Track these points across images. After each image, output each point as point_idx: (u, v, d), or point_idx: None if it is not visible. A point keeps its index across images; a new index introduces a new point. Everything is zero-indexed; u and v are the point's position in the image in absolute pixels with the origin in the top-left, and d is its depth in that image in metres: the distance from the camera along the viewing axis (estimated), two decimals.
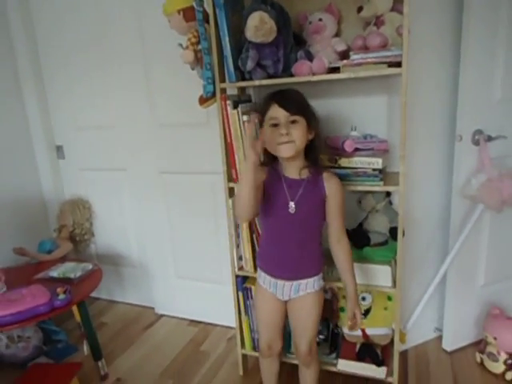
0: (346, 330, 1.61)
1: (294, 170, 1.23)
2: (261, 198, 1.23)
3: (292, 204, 1.21)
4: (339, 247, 1.28)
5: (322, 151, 1.29)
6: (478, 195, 1.52)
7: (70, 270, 1.79)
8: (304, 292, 1.29)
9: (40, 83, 2.24)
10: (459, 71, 1.50)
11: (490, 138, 1.53)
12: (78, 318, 2.02)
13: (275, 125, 1.15)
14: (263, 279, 1.34)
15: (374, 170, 1.33)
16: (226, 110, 1.41)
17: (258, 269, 1.37)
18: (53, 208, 2.34)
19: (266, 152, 1.24)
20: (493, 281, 1.78)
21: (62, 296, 1.50)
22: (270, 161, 1.27)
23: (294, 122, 1.15)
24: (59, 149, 2.34)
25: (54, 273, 1.77)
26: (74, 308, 1.91)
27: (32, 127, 2.28)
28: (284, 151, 1.16)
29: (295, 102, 1.17)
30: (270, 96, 1.20)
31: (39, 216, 2.34)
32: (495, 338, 1.60)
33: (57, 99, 2.26)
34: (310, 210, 1.23)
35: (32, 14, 2.16)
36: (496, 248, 1.73)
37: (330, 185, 1.23)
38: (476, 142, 1.54)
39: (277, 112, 1.15)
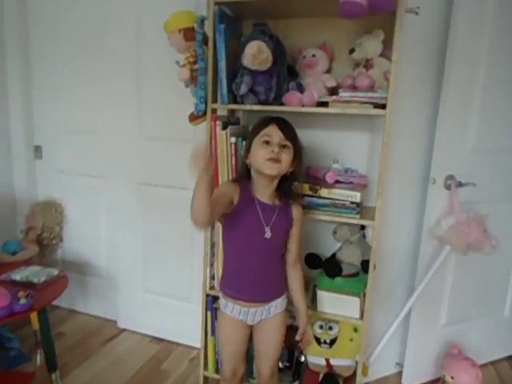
0: (310, 359, 1.62)
1: (266, 195, 1.25)
2: (221, 212, 1.18)
3: (268, 229, 1.23)
4: (294, 271, 1.35)
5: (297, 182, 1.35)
6: (445, 236, 1.59)
7: (34, 274, 1.73)
8: (274, 313, 1.32)
9: (27, 83, 2.21)
10: (437, 119, 1.59)
11: (460, 184, 1.62)
12: (35, 325, 1.94)
13: (267, 142, 1.19)
14: (231, 309, 1.30)
15: (351, 202, 1.38)
16: (215, 130, 1.43)
17: (223, 298, 1.33)
18: (23, 208, 2.27)
19: (243, 168, 1.28)
20: (454, 321, 1.85)
21: (23, 301, 1.44)
22: (242, 179, 1.28)
23: (285, 146, 1.20)
24: (38, 149, 2.29)
25: (17, 276, 1.70)
26: (33, 314, 1.84)
27: (12, 124, 2.22)
28: (269, 168, 1.18)
29: (292, 131, 1.25)
30: (269, 117, 1.25)
31: (7, 215, 2.25)
32: (452, 378, 1.64)
33: (43, 99, 2.23)
34: (281, 235, 1.28)
35: (28, 17, 2.16)
36: (459, 289, 1.81)
37: (296, 212, 1.30)
38: (448, 187, 1.63)
39: (273, 131, 1.20)
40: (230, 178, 1.43)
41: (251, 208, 1.23)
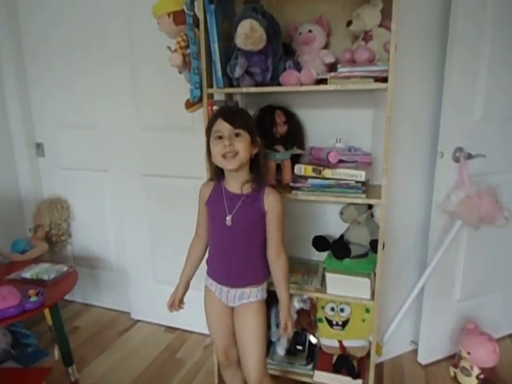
0: (323, 341, 1.61)
1: (236, 184, 1.25)
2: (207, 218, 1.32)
3: (229, 217, 1.23)
4: (277, 263, 1.28)
5: (266, 169, 1.34)
6: (456, 211, 1.54)
7: (44, 271, 1.73)
8: (247, 300, 1.30)
9: (23, 80, 2.19)
10: (442, 89, 1.53)
11: (469, 156, 1.56)
12: (49, 321, 1.97)
13: (220, 137, 1.18)
14: (210, 283, 1.36)
15: (356, 182, 1.34)
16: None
17: (206, 275, 1.39)
18: (29, 207, 2.28)
19: (214, 166, 1.27)
20: (468, 296, 1.81)
21: (33, 298, 1.45)
22: (218, 175, 1.29)
23: (237, 135, 1.18)
24: (39, 146, 2.28)
25: (27, 274, 1.71)
26: (46, 311, 1.86)
27: (12, 123, 2.21)
28: (228, 163, 1.18)
29: (239, 117, 1.21)
30: (216, 112, 1.27)
31: (15, 214, 2.27)
32: (469, 353, 1.62)
33: (40, 96, 2.21)
34: (246, 223, 1.25)
35: (19, 16, 2.13)
36: (472, 264, 1.77)
37: (269, 200, 1.23)
38: (456, 159, 1.57)
39: (222, 125, 1.18)
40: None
41: (219, 199, 1.27)
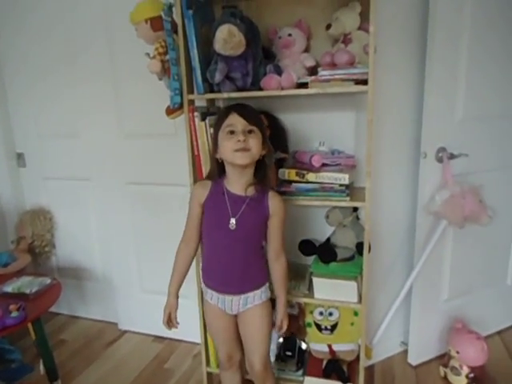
0: (313, 346, 1.60)
1: (239, 186, 1.21)
2: (201, 220, 1.27)
3: (233, 220, 1.20)
4: (277, 265, 1.30)
5: (273, 172, 1.29)
6: (441, 211, 1.55)
7: (26, 284, 1.70)
8: (252, 304, 1.29)
9: (1, 91, 2.15)
10: (424, 91, 1.54)
11: (452, 156, 1.57)
12: (34, 335, 1.92)
13: (232, 132, 1.14)
14: (210, 296, 1.32)
15: (340, 185, 1.34)
16: (194, 122, 1.38)
17: (204, 286, 1.35)
18: (11, 218, 2.23)
19: (216, 163, 1.24)
20: (456, 295, 1.82)
21: (14, 313, 1.41)
22: (217, 174, 1.25)
23: (250, 131, 1.15)
24: (20, 156, 2.24)
25: (9, 288, 1.66)
26: (30, 325, 1.81)
27: None
28: (240, 158, 1.14)
29: (254, 114, 1.20)
30: (229, 106, 1.22)
31: None
32: (458, 352, 1.62)
33: (18, 105, 2.17)
34: (250, 227, 1.22)
35: None
36: (459, 263, 1.78)
37: (274, 204, 1.23)
38: (439, 160, 1.58)
39: (235, 120, 1.15)
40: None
41: (220, 200, 1.22)
